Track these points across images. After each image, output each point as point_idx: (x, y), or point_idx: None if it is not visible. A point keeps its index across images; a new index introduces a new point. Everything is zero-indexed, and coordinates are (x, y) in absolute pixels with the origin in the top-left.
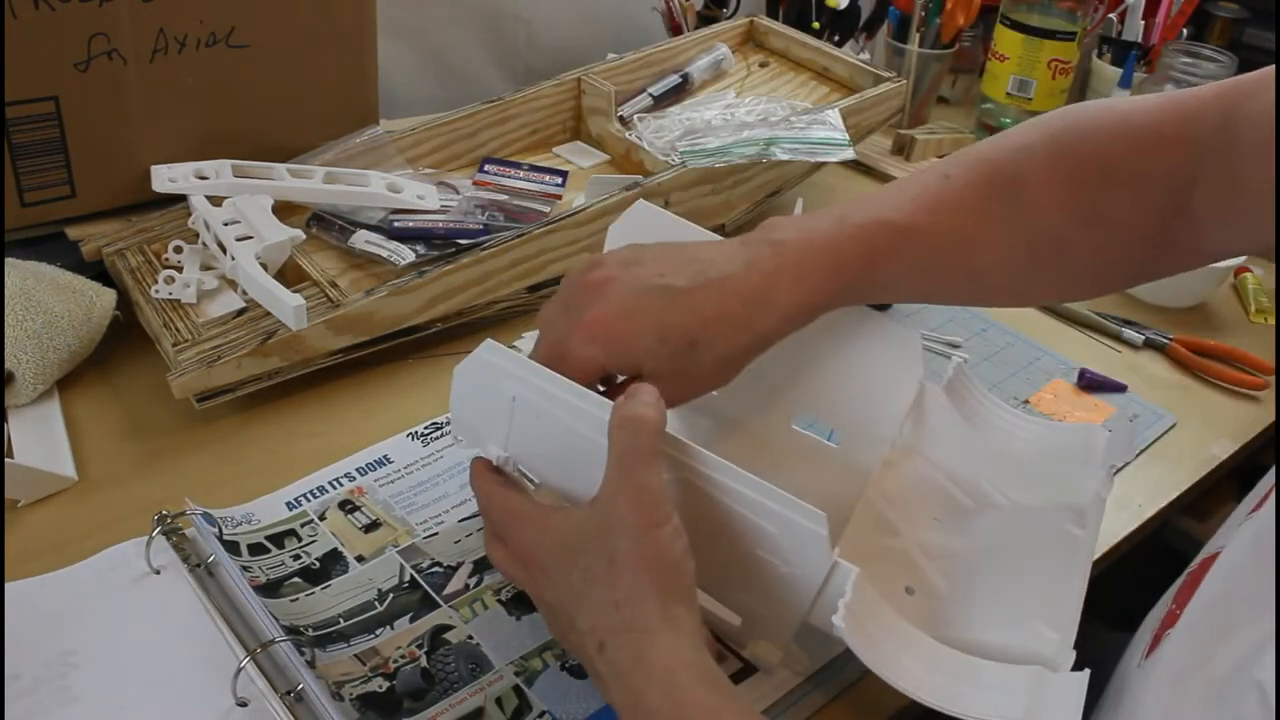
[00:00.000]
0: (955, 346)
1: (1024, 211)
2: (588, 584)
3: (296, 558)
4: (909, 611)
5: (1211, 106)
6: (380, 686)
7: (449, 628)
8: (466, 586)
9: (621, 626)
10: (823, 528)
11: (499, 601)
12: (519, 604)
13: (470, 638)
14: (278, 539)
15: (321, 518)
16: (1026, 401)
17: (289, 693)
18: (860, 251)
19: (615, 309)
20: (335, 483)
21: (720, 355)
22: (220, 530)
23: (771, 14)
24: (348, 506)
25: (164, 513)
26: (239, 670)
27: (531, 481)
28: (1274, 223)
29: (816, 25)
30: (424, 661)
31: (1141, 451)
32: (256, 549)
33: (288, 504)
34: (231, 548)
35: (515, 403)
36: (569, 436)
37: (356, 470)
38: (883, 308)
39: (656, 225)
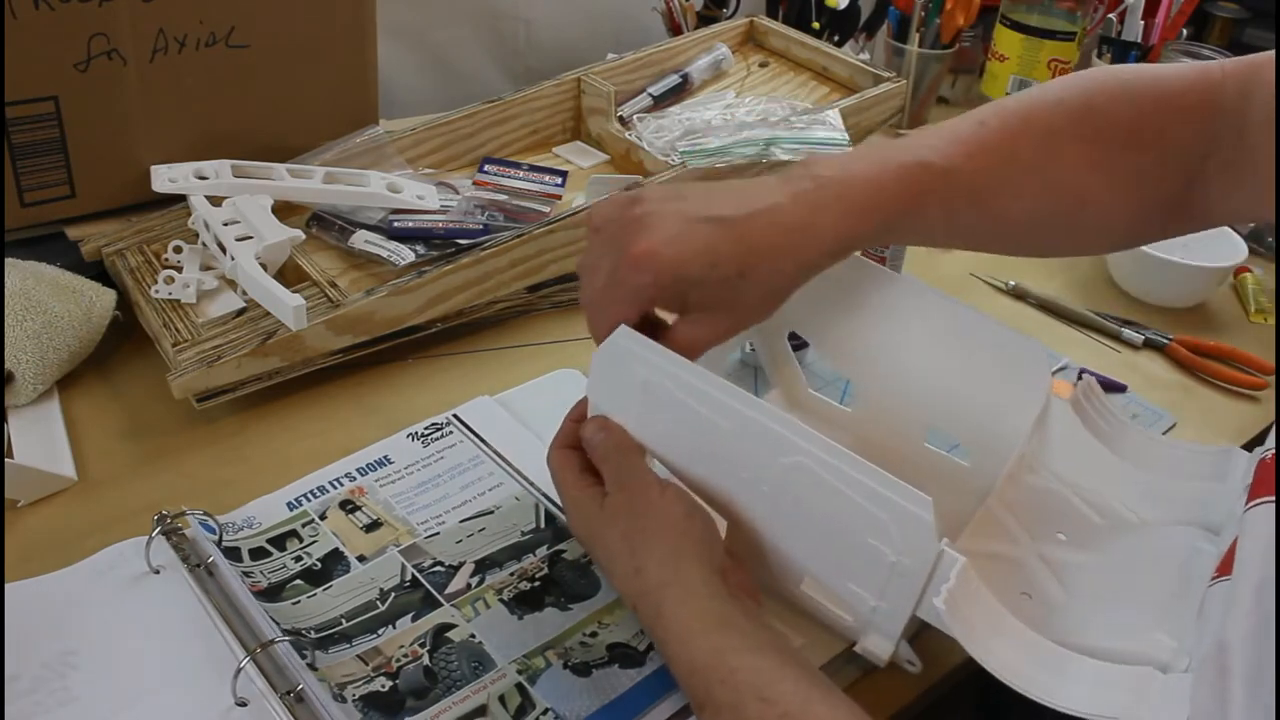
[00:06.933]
0: None
1: (1053, 164)
2: (611, 559)
3: (298, 559)
4: (1022, 614)
5: (1232, 77)
6: (383, 686)
7: (451, 626)
8: (468, 586)
9: (641, 590)
10: (928, 513)
11: (501, 601)
12: (521, 603)
13: (473, 636)
14: (279, 541)
15: (322, 517)
16: None
17: (289, 693)
18: (900, 190)
19: (664, 238)
20: (335, 483)
21: (767, 285)
22: (221, 536)
23: (771, 14)
24: (348, 506)
25: (163, 513)
26: (239, 670)
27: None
28: (1274, 198)
29: (816, 25)
30: (426, 660)
31: None
32: (258, 553)
33: (288, 504)
34: (233, 553)
35: (645, 386)
36: (693, 420)
37: (357, 470)
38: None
39: None
